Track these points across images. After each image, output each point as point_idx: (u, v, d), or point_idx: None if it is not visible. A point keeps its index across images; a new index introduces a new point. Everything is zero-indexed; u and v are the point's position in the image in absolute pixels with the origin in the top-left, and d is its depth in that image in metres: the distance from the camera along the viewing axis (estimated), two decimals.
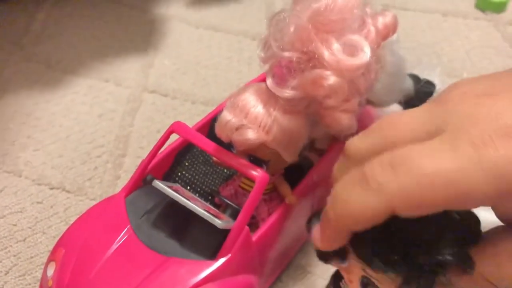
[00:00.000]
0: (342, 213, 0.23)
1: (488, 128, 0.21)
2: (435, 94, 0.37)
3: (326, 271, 0.37)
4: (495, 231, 0.24)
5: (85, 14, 0.60)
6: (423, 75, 0.38)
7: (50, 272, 0.29)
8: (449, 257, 0.22)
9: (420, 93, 0.37)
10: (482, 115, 0.21)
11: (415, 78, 0.37)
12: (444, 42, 0.58)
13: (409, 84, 0.36)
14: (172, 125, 0.32)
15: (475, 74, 0.54)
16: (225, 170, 0.38)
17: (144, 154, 0.42)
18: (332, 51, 0.26)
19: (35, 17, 0.59)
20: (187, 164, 0.37)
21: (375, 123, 0.24)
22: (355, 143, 0.24)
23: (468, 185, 0.20)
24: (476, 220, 0.24)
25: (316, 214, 0.27)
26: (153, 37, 0.57)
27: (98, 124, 0.47)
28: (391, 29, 0.30)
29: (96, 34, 0.57)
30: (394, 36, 0.31)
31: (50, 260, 0.30)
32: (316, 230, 0.25)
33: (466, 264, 0.23)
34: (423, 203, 0.21)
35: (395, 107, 0.38)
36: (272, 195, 0.33)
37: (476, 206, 0.21)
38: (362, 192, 0.22)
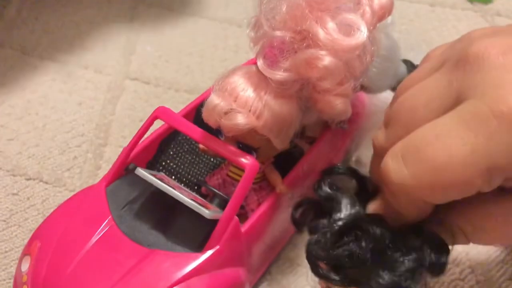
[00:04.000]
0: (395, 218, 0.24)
1: None
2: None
3: None
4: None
5: None
6: (416, 61, 0.37)
7: (25, 266, 0.28)
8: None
9: None
10: (508, 78, 0.19)
11: (409, 63, 0.36)
12: (433, 32, 0.57)
13: (403, 70, 0.35)
14: (156, 110, 0.30)
15: None
16: (212, 159, 0.36)
17: (126, 143, 0.40)
18: (327, 30, 0.25)
19: (9, 0, 0.56)
20: (171, 152, 0.35)
21: (393, 110, 0.24)
22: (380, 140, 0.25)
23: (486, 165, 0.19)
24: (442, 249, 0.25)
25: (301, 203, 0.28)
26: (135, 23, 0.55)
27: (77, 112, 0.45)
28: (387, 10, 0.29)
29: (74, 19, 0.55)
30: (389, 19, 0.30)
31: (24, 254, 0.28)
32: None
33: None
34: (438, 191, 0.21)
35: (387, 94, 0.36)
36: (261, 184, 0.31)
37: (498, 184, 0.20)
38: (392, 196, 0.23)
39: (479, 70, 0.20)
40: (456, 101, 0.21)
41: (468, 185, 0.20)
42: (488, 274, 0.35)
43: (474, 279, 0.34)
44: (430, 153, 0.20)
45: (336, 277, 0.25)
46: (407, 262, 0.24)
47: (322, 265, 0.26)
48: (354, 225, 0.25)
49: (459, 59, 0.22)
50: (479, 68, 0.20)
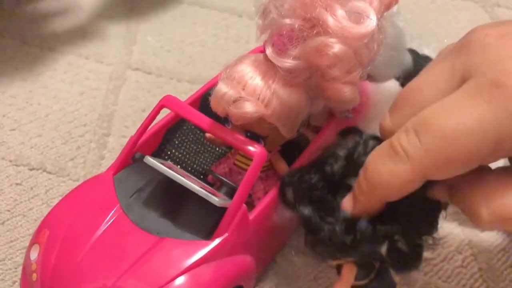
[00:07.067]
0: (376, 185, 0.24)
1: None
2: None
3: None
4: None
5: None
6: (420, 50, 0.37)
7: (34, 255, 0.28)
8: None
9: (419, 68, 0.36)
10: (507, 55, 0.21)
11: (414, 53, 0.36)
12: (433, 22, 0.57)
13: (408, 59, 0.35)
14: (162, 99, 0.30)
15: None
16: (217, 149, 0.37)
17: (129, 133, 0.40)
18: (337, 18, 0.25)
19: None
20: (177, 142, 0.35)
21: (399, 95, 0.25)
22: (388, 124, 0.25)
23: (494, 133, 0.20)
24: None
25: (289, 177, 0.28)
26: (134, 13, 0.55)
27: (79, 102, 0.45)
28: None
29: (74, 8, 0.54)
30: (395, 8, 0.30)
31: (33, 242, 0.28)
32: (347, 199, 0.26)
33: None
34: (453, 162, 0.21)
35: (392, 83, 0.37)
36: (268, 173, 0.32)
37: (510, 152, 0.21)
38: (392, 162, 0.23)
39: (480, 52, 0.22)
40: (461, 82, 0.22)
41: (475, 154, 0.21)
42: (490, 261, 0.35)
43: (476, 267, 0.35)
44: (440, 123, 0.21)
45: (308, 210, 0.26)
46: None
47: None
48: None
49: (462, 45, 0.23)
50: (480, 50, 0.22)
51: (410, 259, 0.26)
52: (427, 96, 0.23)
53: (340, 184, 0.26)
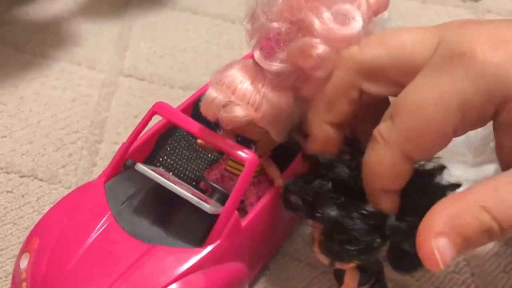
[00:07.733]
0: (371, 177, 0.24)
1: (479, 41, 0.21)
2: None
3: (313, 258, 0.36)
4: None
5: None
6: None
7: (24, 263, 0.27)
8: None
9: None
10: (474, 33, 0.22)
11: None
12: None
13: None
14: (154, 105, 0.30)
15: None
16: (209, 155, 0.36)
17: (121, 140, 0.39)
18: (323, 20, 0.25)
19: None
20: (169, 148, 0.35)
21: (376, 35, 0.26)
22: (356, 53, 0.25)
23: (456, 102, 0.21)
24: None
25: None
26: (127, 19, 0.55)
27: (71, 109, 0.44)
28: (383, 4, 0.29)
29: (66, 15, 0.54)
30: (386, 14, 0.30)
31: (23, 251, 0.28)
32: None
33: None
34: (425, 136, 0.22)
35: None
36: (260, 178, 0.31)
37: (477, 121, 0.22)
38: (374, 151, 0.24)
39: (454, 29, 0.23)
40: (434, 50, 0.23)
41: (443, 124, 0.22)
42: (483, 266, 0.35)
43: (469, 272, 0.35)
44: (406, 101, 0.22)
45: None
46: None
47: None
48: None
49: (438, 24, 0.25)
50: (454, 28, 0.24)
51: (412, 259, 0.26)
52: (405, 51, 0.24)
53: (356, 187, 0.26)
